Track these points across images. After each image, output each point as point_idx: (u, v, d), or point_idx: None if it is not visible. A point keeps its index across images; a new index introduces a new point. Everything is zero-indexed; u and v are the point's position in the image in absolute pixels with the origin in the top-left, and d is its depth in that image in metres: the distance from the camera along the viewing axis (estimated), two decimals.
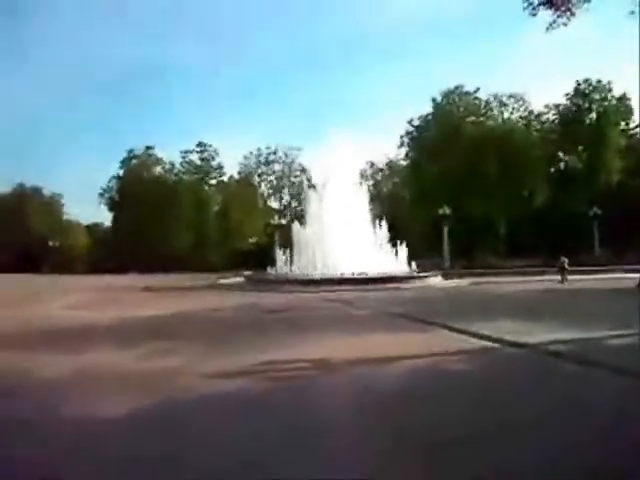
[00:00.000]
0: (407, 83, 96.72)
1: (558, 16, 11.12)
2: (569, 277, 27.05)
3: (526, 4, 11.57)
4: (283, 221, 49.62)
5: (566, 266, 27.48)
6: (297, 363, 7.48)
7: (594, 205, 47.09)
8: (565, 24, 11.04)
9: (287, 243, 32.65)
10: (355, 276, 26.15)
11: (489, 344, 8.98)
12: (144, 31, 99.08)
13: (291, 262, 30.82)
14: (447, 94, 54.24)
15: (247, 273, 33.90)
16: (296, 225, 32.23)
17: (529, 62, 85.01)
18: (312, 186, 37.37)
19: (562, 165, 55.94)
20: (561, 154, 54.36)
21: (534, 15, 11.64)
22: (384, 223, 32.33)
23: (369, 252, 30.22)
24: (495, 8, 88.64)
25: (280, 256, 31.74)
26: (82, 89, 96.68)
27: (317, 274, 27.39)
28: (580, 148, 54.28)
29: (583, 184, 51.30)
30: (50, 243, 75.44)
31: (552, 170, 56.31)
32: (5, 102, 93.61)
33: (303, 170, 69.81)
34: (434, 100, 54.87)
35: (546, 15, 11.29)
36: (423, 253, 48.18)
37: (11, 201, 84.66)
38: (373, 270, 27.55)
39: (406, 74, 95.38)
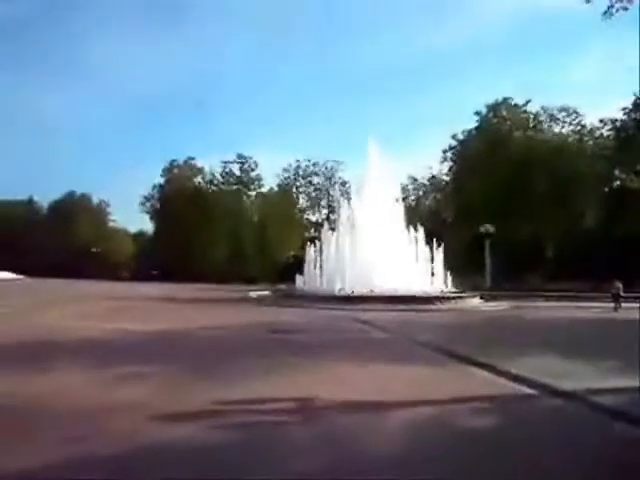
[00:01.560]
0: (457, 99, 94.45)
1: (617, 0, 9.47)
2: (623, 304, 24.52)
3: None
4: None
5: (621, 292, 24.91)
6: (274, 403, 6.12)
7: None
8: (626, 8, 9.37)
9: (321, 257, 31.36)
10: (385, 294, 24.53)
11: (524, 389, 7.34)
12: (194, 49, 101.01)
13: (321, 277, 29.46)
14: (493, 107, 51.89)
15: (275, 287, 32.79)
16: (327, 238, 30.86)
17: (584, 75, 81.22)
18: (348, 198, 35.96)
19: (617, 184, 52.42)
20: (617, 172, 50.91)
21: (588, 1, 10.02)
22: (420, 238, 30.51)
23: (404, 269, 28.53)
24: (549, 20, 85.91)
25: (311, 270, 30.46)
26: (131, 103, 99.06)
27: (345, 290, 25.93)
28: (637, 166, 50.66)
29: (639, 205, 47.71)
30: (93, 249, 77.13)
31: (606, 189, 52.84)
32: (56, 116, 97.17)
33: (343, 184, 68.66)
34: (479, 113, 52.65)
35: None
36: (465, 272, 46.00)
37: (61, 207, 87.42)
38: (407, 288, 25.96)
39: (456, 90, 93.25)
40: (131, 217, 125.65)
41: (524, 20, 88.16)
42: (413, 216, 68.72)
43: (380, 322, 16.37)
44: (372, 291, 25.00)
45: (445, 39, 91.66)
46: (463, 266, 47.94)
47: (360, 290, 25.77)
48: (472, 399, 6.63)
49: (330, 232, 32.21)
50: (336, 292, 25.94)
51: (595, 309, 24.12)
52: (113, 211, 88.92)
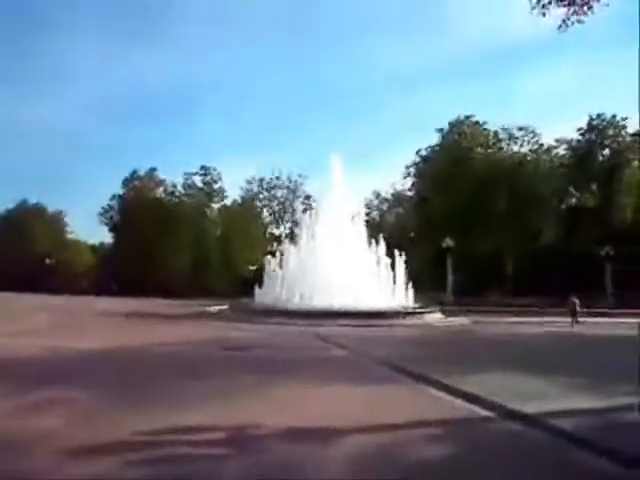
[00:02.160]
0: (422, 116, 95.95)
1: (573, 13, 9.35)
2: (580, 319, 24.80)
3: (535, 2, 9.77)
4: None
5: (577, 308, 25.20)
6: (208, 433, 5.48)
7: (606, 244, 44.76)
8: (580, 21, 9.26)
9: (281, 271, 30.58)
10: (345, 309, 24.04)
11: (480, 411, 6.92)
12: (166, 58, 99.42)
13: (281, 291, 28.69)
14: (455, 124, 52.73)
15: (234, 302, 31.83)
16: (287, 252, 30.23)
17: (540, 95, 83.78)
18: (310, 213, 35.50)
19: (573, 201, 53.94)
20: (572, 190, 52.39)
21: (544, 15, 9.88)
22: (382, 253, 30.24)
23: (365, 284, 28.12)
24: (504, 41, 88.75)
25: (270, 284, 29.67)
26: (93, 112, 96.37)
27: (304, 306, 25.31)
28: (592, 185, 52.28)
29: (595, 222, 49.05)
30: (47, 261, 74.05)
31: (563, 206, 54.27)
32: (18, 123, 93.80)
33: (307, 197, 68.23)
34: (441, 130, 53.38)
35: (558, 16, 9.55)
36: (428, 287, 46.08)
37: (14, 217, 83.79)
38: (368, 303, 25.57)
39: (417, 106, 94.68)
40: (91, 228, 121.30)
41: (487, 42, 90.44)
42: (377, 231, 69.37)
43: (339, 338, 15.84)
44: (331, 307, 24.44)
45: (410, 58, 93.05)
46: (426, 281, 48.10)
47: (320, 305, 25.24)
48: (426, 424, 6.14)
49: (290, 246, 31.64)
50: (295, 307, 25.28)
51: (553, 324, 24.28)
52: (71, 222, 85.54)
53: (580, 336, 19.62)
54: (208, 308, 30.32)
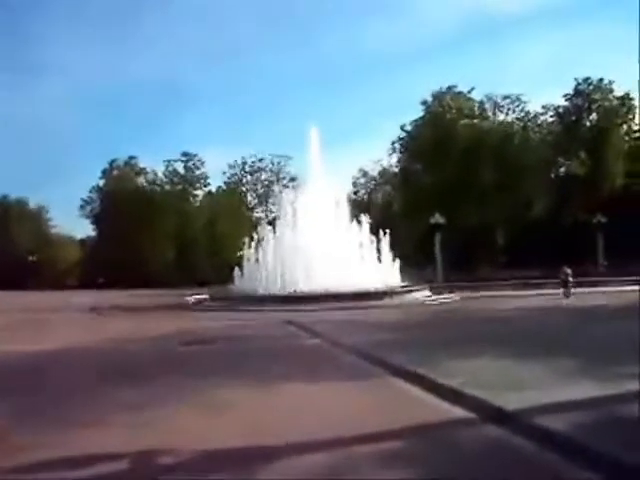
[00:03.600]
0: (407, 91, 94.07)
1: None
2: (573, 290, 23.83)
3: None
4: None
5: (570, 278, 24.20)
6: (101, 464, 4.21)
7: (598, 212, 43.78)
8: None
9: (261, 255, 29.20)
10: (328, 292, 22.87)
11: (458, 411, 5.71)
12: (146, 47, 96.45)
13: (261, 276, 27.39)
14: (438, 95, 51.11)
15: (214, 289, 30.61)
16: (266, 235, 28.84)
17: (524, 62, 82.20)
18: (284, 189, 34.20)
19: (562, 170, 52.83)
20: (561, 159, 51.21)
21: None
22: (366, 232, 28.91)
23: (349, 265, 26.87)
24: (484, 12, 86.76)
25: (251, 270, 28.33)
26: (74, 103, 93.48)
27: (284, 291, 24.13)
28: (581, 152, 51.08)
29: (585, 190, 47.98)
30: (30, 258, 72.19)
31: (552, 175, 53.16)
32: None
33: (293, 179, 66.64)
34: (425, 102, 51.76)
35: None
36: (417, 265, 45.00)
37: None
38: (353, 284, 24.39)
39: (401, 81, 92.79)
40: (75, 222, 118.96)
41: (468, 15, 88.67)
42: (365, 210, 68.05)
43: (316, 324, 14.65)
44: (314, 290, 23.28)
45: (394, 35, 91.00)
46: (415, 258, 47.07)
47: (302, 289, 24.09)
48: (390, 435, 4.91)
49: (270, 228, 30.25)
50: (274, 293, 24.10)
51: (546, 296, 23.32)
52: (55, 216, 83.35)
53: (573, 308, 18.59)
54: (188, 298, 29.07)
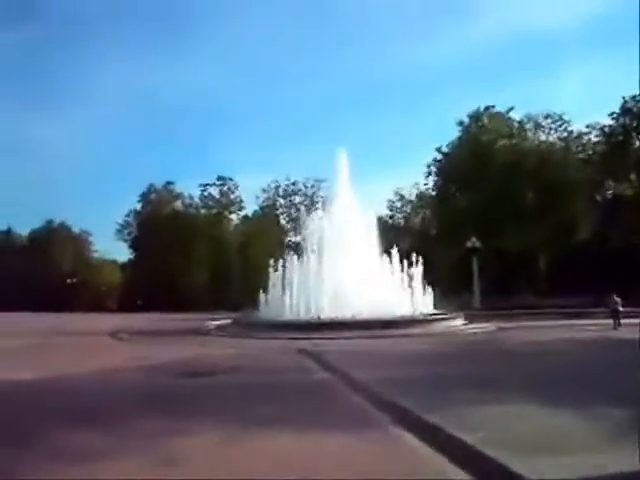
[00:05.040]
0: (446, 114, 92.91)
1: None
2: (622, 321, 21.65)
3: None
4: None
5: (620, 308, 22.05)
6: None
7: None
8: None
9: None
10: (354, 319, 21.58)
11: None
12: (182, 74, 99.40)
13: (287, 302, 26.30)
14: (475, 115, 49.53)
15: (239, 314, 29.76)
16: (292, 259, 27.86)
17: (567, 79, 79.88)
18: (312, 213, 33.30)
19: (609, 192, 49.98)
20: (608, 180, 48.46)
21: None
22: (395, 256, 27.50)
23: (379, 291, 25.53)
24: (525, 32, 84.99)
25: (275, 295, 27.30)
26: (113, 130, 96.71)
27: (310, 316, 22.99)
28: (630, 173, 48.21)
29: (635, 213, 45.02)
30: (68, 281, 73.66)
31: (598, 198, 50.35)
32: (39, 146, 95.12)
33: (326, 203, 65.90)
34: (461, 123, 50.26)
35: None
36: (453, 291, 43.03)
37: (40, 237, 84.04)
38: (383, 312, 23.06)
39: (440, 102, 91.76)
40: (114, 246, 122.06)
41: (510, 38, 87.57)
42: (402, 234, 66.44)
43: (332, 355, 13.44)
44: (339, 316, 22.06)
45: (434, 56, 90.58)
46: (451, 285, 45.11)
47: (328, 315, 22.89)
48: None
49: (294, 254, 29.34)
50: (300, 318, 22.98)
51: (592, 327, 21.24)
52: (96, 240, 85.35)
53: (625, 342, 16.60)
54: (213, 322, 28.31)
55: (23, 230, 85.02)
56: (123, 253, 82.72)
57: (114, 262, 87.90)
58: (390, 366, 11.64)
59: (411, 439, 5.86)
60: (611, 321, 21.46)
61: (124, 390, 9.26)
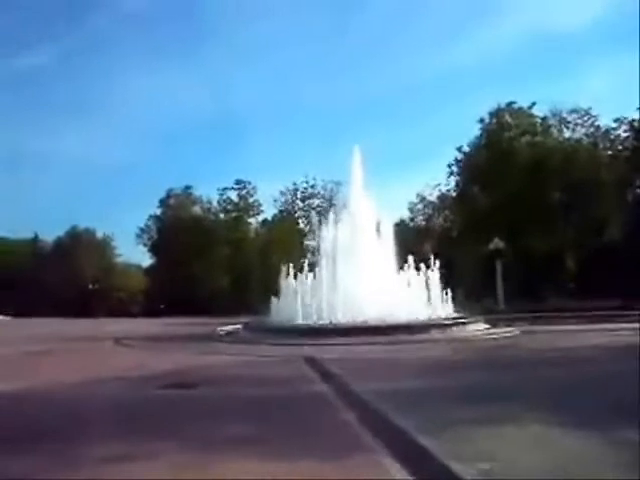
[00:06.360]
0: (464, 111, 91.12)
1: None
2: None
3: None
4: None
5: None
6: None
7: None
8: None
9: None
10: (369, 324, 20.53)
11: None
12: (201, 77, 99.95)
13: (299, 306, 25.35)
14: (497, 112, 47.88)
15: (252, 319, 28.94)
16: (305, 264, 26.95)
17: (592, 75, 77.27)
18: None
19: None
20: (638, 176, 46.29)
21: None
22: (411, 259, 26.30)
23: (395, 295, 24.41)
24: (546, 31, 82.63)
25: (287, 299, 26.39)
26: (132, 137, 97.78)
27: (321, 321, 22.02)
28: None
29: None
30: (90, 286, 74.29)
31: (629, 196, 48.15)
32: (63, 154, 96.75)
33: (345, 205, 64.91)
34: (482, 120, 48.66)
35: None
36: (476, 294, 41.64)
37: (65, 243, 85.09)
38: (399, 316, 21.94)
39: (462, 102, 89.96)
40: (135, 251, 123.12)
41: (531, 38, 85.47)
42: (424, 236, 64.94)
43: (337, 363, 12.42)
44: (352, 321, 21.04)
45: (455, 57, 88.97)
46: (474, 287, 43.63)
47: (340, 320, 21.87)
48: None
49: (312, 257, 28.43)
50: (311, 323, 22.01)
51: (622, 332, 19.70)
52: (119, 245, 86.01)
53: None
54: (224, 327, 27.52)
55: (49, 237, 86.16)
56: (146, 258, 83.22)
57: (138, 267, 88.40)
58: (396, 376, 10.59)
59: (399, 470, 4.82)
60: None
61: (96, 405, 8.42)
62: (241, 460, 5.19)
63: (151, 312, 64.36)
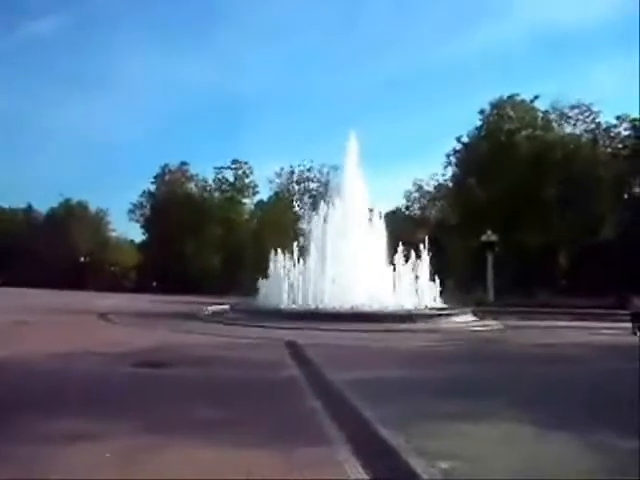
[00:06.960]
0: (465, 102, 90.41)
1: None
2: None
3: None
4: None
5: None
6: None
7: None
8: None
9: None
10: (354, 311, 20.45)
11: None
12: (203, 58, 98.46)
13: (287, 290, 25.21)
14: (497, 104, 47.36)
15: (239, 300, 28.83)
16: (294, 248, 26.77)
17: (595, 73, 76.59)
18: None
19: (637, 189, 47.57)
20: (637, 175, 46.05)
21: None
22: (400, 247, 26.09)
23: (382, 283, 24.37)
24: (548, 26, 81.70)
25: (275, 282, 26.19)
26: (133, 110, 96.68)
27: (308, 306, 21.92)
28: None
29: None
30: (82, 259, 73.81)
31: (625, 195, 47.97)
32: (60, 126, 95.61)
33: (338, 190, 64.43)
34: (482, 112, 48.16)
35: None
36: (468, 285, 41.56)
37: (58, 216, 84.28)
38: (385, 304, 21.95)
39: (464, 94, 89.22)
40: (132, 227, 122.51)
41: (536, 34, 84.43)
42: (418, 225, 64.70)
43: (316, 349, 12.35)
44: (338, 307, 20.94)
45: (458, 48, 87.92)
46: (465, 279, 43.58)
47: (326, 306, 21.79)
48: None
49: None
50: (297, 307, 21.91)
51: (609, 330, 19.67)
52: (115, 221, 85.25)
53: None
54: (210, 307, 27.41)
55: (42, 208, 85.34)
56: (140, 234, 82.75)
57: (132, 242, 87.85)
58: (372, 365, 10.47)
59: (353, 465, 4.65)
60: (630, 325, 19.87)
61: (65, 379, 8.27)
62: (197, 445, 5.05)
63: (143, 288, 64.14)
